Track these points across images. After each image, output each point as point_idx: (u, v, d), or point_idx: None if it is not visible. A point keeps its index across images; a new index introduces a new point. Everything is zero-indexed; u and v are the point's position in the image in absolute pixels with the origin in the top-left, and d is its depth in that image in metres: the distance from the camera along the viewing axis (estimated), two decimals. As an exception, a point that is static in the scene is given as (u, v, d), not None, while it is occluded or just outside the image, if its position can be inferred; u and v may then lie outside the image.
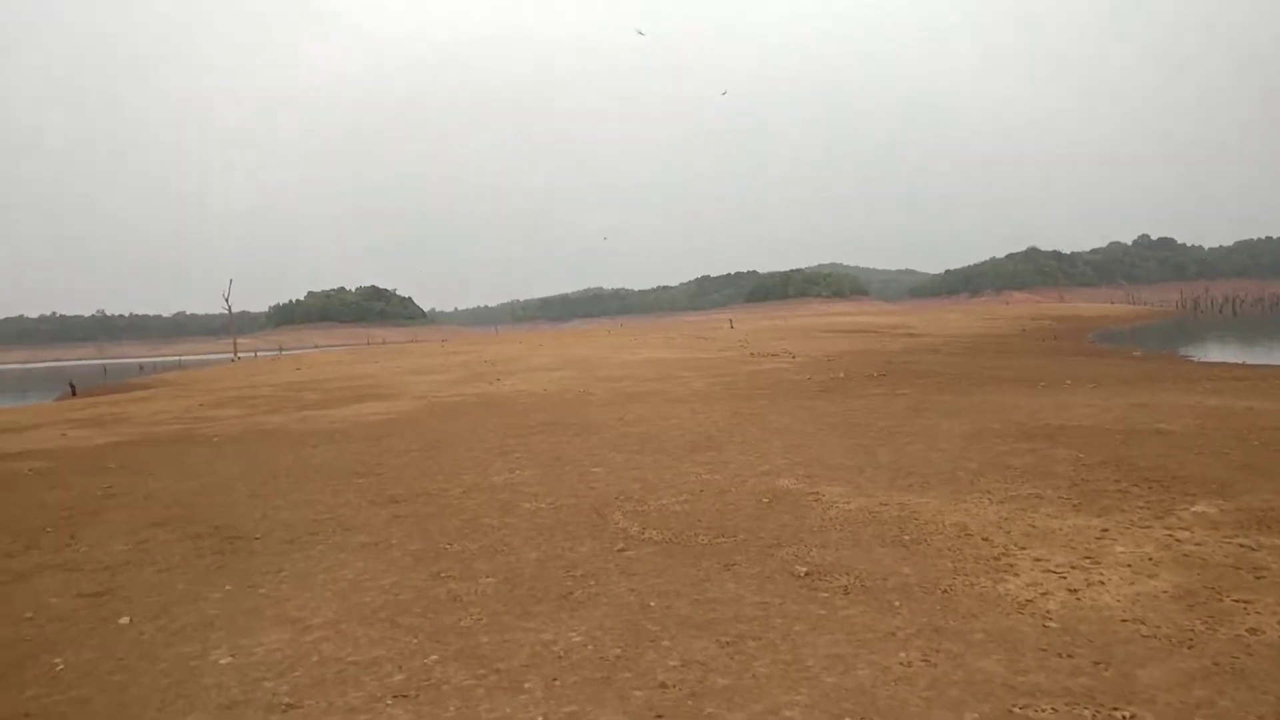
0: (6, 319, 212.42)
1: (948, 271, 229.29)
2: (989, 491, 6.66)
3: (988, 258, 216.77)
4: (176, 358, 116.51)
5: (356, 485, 8.52)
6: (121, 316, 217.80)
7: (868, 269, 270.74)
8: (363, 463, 9.93)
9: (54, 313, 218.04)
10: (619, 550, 5.62)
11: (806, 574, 4.91)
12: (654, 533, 6.00)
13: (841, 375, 18.62)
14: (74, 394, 37.03)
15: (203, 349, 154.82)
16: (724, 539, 5.76)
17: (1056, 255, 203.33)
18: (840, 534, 5.72)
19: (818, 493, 6.94)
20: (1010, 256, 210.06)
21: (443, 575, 5.30)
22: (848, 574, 4.88)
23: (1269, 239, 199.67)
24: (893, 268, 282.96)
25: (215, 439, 13.38)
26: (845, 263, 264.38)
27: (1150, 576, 4.56)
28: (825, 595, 4.56)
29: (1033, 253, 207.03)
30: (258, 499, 8.10)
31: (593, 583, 4.97)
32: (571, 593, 4.82)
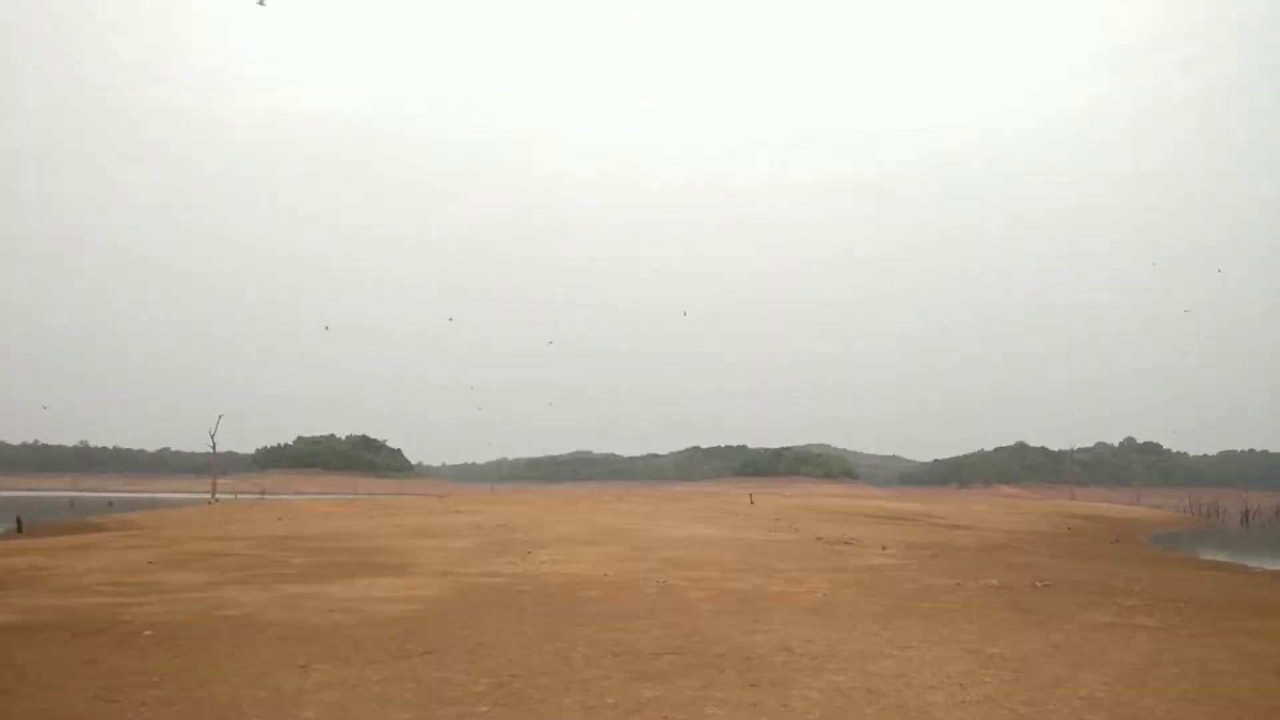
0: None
1: (937, 461, 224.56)
2: None
3: (975, 449, 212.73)
4: (151, 495, 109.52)
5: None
6: (104, 449, 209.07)
7: (855, 452, 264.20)
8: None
9: (36, 440, 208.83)
10: None
11: None
12: None
13: (996, 583, 14.19)
14: (19, 531, 31.78)
15: (183, 487, 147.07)
16: None
17: (1045, 452, 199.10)
18: None
19: None
20: (999, 450, 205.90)
21: None
22: None
23: (1252, 451, 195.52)
24: (879, 453, 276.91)
25: (148, 633, 8.77)
26: (832, 444, 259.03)
27: None
28: None
29: (1021, 448, 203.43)
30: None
31: None
32: None
